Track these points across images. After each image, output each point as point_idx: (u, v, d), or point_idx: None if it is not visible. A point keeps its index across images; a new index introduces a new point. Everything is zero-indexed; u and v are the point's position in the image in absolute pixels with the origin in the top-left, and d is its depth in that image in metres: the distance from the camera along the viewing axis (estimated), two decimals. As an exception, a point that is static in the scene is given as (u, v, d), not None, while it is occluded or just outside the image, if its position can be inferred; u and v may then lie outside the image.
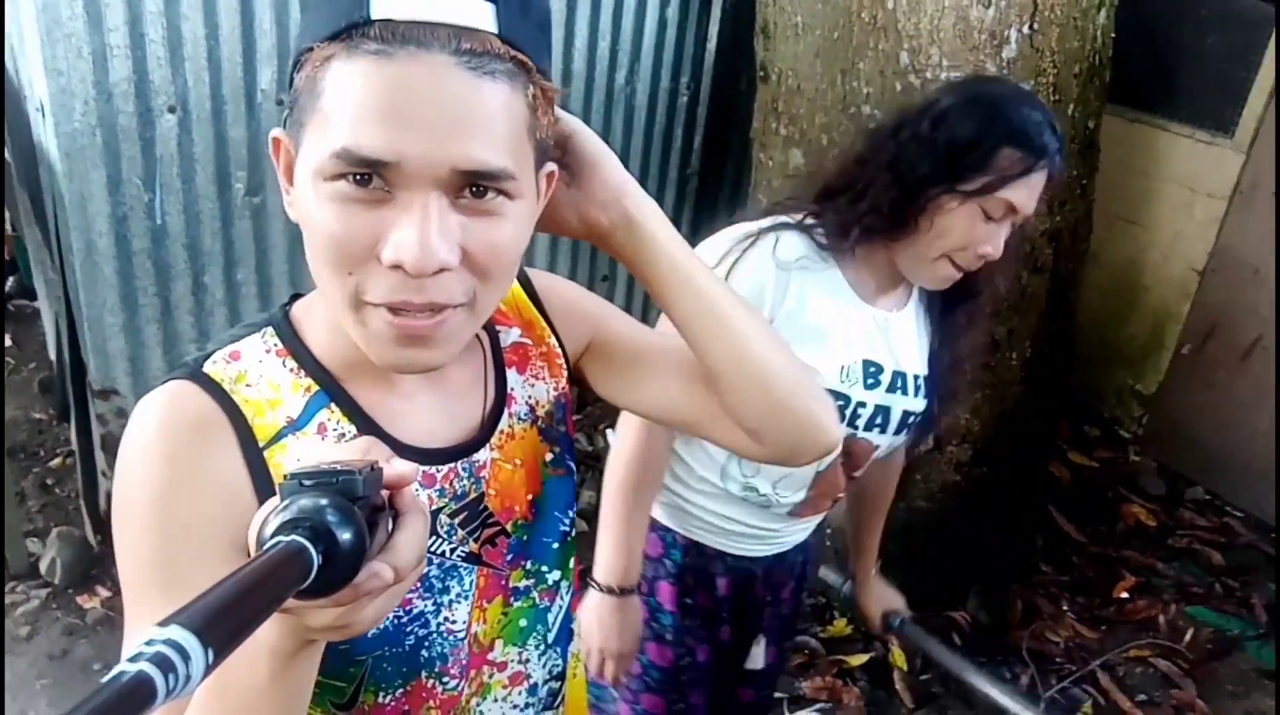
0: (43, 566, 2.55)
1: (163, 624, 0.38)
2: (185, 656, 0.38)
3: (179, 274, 2.35)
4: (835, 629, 2.68)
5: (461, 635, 0.81)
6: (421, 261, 0.61)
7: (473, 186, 0.63)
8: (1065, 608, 2.85)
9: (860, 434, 1.36)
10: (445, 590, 0.79)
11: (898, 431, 1.39)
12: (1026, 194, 1.24)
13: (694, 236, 2.99)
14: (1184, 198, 3.42)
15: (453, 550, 0.79)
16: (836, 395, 1.30)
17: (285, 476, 0.51)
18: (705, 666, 1.56)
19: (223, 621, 0.40)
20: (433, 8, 0.61)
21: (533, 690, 0.90)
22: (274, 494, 0.68)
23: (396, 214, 0.62)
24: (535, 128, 0.67)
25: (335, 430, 0.73)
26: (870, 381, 1.34)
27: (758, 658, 1.63)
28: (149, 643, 0.37)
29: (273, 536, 0.48)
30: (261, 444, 0.70)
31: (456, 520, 0.79)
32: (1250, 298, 3.27)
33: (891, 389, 1.35)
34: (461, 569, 0.80)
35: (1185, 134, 3.38)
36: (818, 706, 2.46)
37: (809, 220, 1.32)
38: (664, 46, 3.00)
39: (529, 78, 0.65)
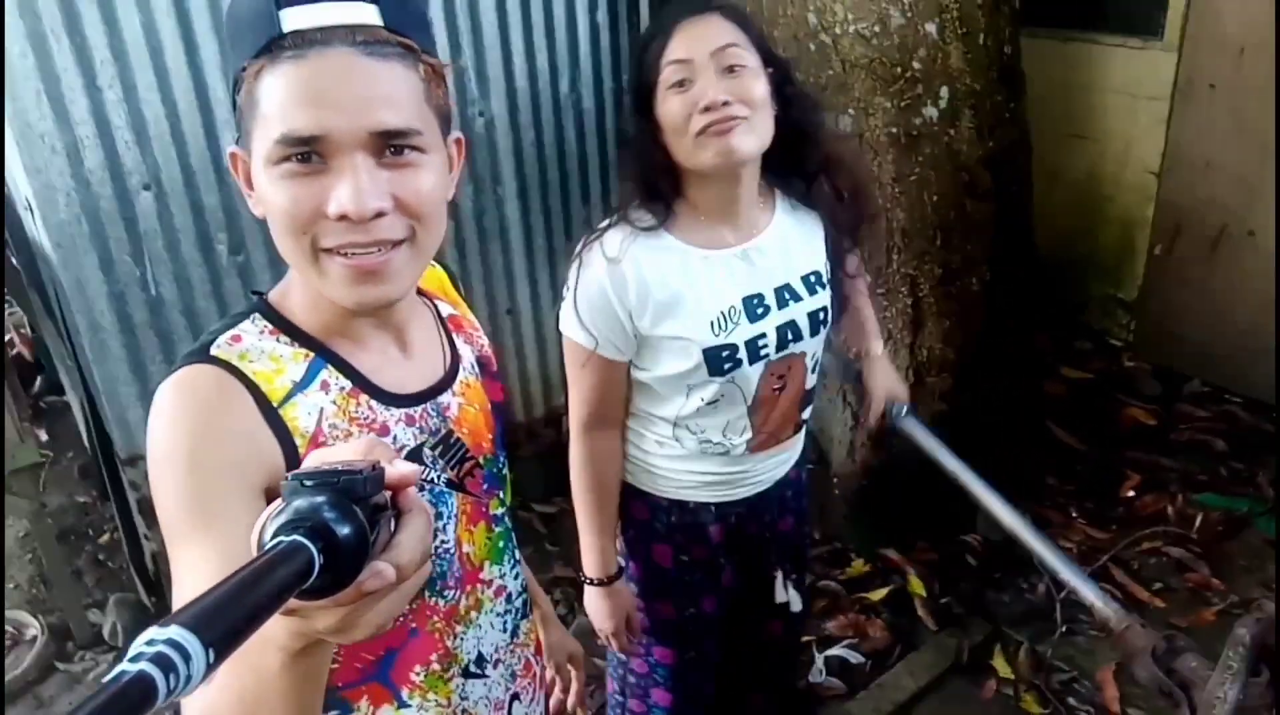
0: (105, 633, 2.72)
1: (163, 624, 0.40)
2: (186, 656, 0.39)
3: (180, 337, 2.51)
4: (854, 570, 2.79)
5: (453, 553, 0.96)
6: (360, 206, 0.77)
7: (390, 146, 0.79)
8: (1074, 514, 2.94)
9: (776, 356, 1.43)
10: (437, 516, 0.94)
11: (815, 332, 1.46)
12: (685, 44, 1.29)
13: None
14: (1128, 105, 3.50)
15: (437, 477, 0.94)
16: (720, 348, 1.38)
17: (287, 477, 0.52)
18: (713, 615, 1.66)
19: (223, 621, 0.42)
20: (329, 14, 0.77)
21: (509, 599, 1.06)
22: (294, 445, 0.81)
23: (334, 178, 0.78)
24: (431, 96, 0.83)
25: (336, 384, 0.87)
26: (760, 312, 1.40)
27: (784, 592, 1.72)
28: (150, 642, 0.39)
29: (274, 537, 0.48)
30: (275, 404, 0.83)
31: (436, 451, 0.94)
32: (1207, 190, 3.34)
33: (783, 305, 1.42)
34: (446, 494, 0.95)
35: (1117, 43, 3.47)
36: (846, 643, 2.56)
37: (623, 210, 1.39)
38: (600, 50, 3.13)
39: (417, 57, 0.81)
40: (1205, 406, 3.46)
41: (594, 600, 1.58)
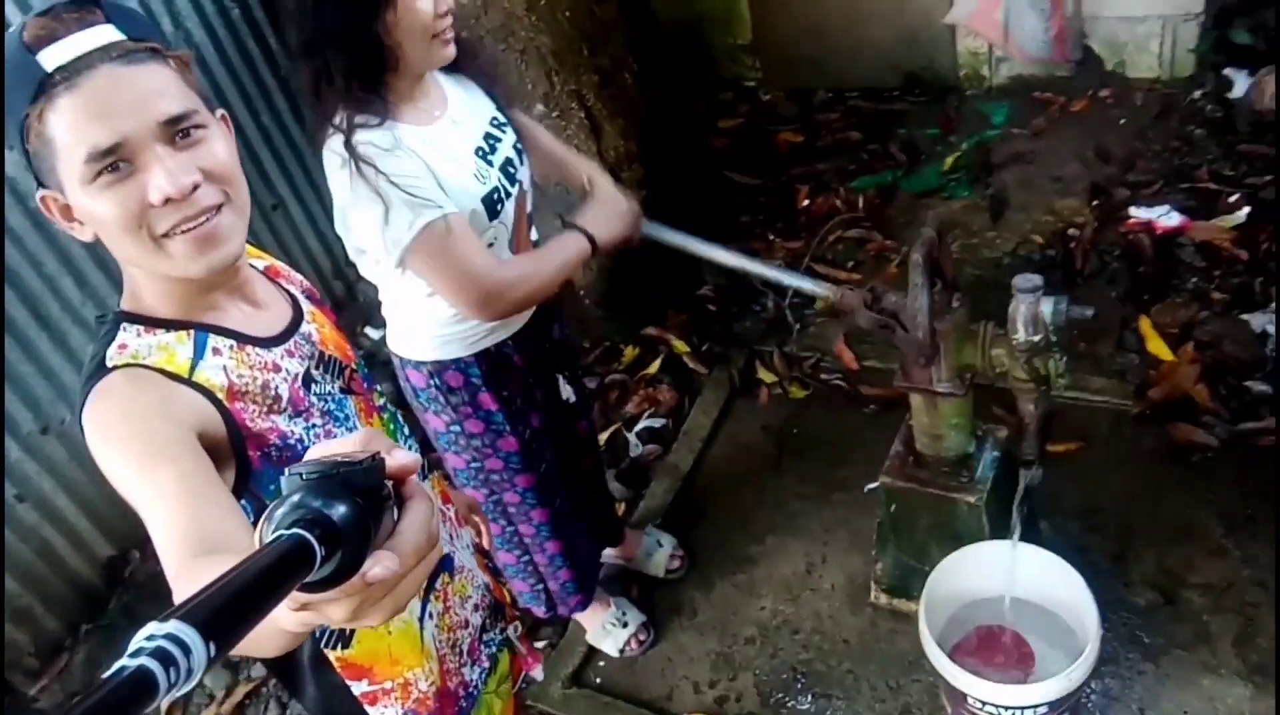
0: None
1: (162, 619, 0.40)
2: (186, 651, 0.39)
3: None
4: (627, 357, 3.17)
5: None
6: (178, 185, 0.90)
7: (179, 131, 0.92)
8: (772, 237, 3.46)
9: (515, 192, 1.65)
10: (345, 416, 1.14)
11: (522, 161, 1.69)
12: None
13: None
14: None
15: (331, 388, 1.13)
16: (491, 193, 1.57)
17: (288, 472, 0.53)
18: (541, 428, 1.93)
19: (224, 615, 0.42)
20: (80, 43, 0.88)
21: None
22: (215, 398, 0.96)
23: (145, 175, 0.90)
24: (188, 82, 0.96)
25: (224, 346, 1.02)
26: (489, 159, 1.61)
27: (567, 390, 2.02)
28: (150, 638, 0.39)
29: (274, 531, 0.48)
30: (185, 376, 0.97)
31: (319, 370, 1.13)
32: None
33: (493, 149, 1.62)
34: (344, 399, 1.15)
35: None
36: (646, 415, 2.97)
37: (339, 121, 1.45)
38: None
39: (163, 55, 0.94)
40: (835, 109, 4.06)
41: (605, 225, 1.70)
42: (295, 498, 0.50)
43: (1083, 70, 3.62)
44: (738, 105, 4.26)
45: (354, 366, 1.21)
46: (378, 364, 2.61)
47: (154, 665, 0.38)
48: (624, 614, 2.33)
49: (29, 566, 2.59)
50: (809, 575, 2.37)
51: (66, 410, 2.63)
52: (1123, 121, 3.45)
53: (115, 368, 0.95)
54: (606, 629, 2.32)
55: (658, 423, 2.94)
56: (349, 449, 0.57)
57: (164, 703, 0.43)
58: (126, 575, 2.81)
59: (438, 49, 1.50)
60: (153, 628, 0.39)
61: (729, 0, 4.12)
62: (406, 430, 1.33)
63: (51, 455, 2.61)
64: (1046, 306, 1.66)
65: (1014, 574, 1.84)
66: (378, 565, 0.53)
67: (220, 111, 1.02)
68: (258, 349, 1.06)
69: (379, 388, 1.28)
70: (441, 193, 1.49)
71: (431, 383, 1.78)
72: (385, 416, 1.26)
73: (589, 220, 1.70)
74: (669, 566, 2.47)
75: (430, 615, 1.28)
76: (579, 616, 2.31)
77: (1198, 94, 3.36)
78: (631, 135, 3.01)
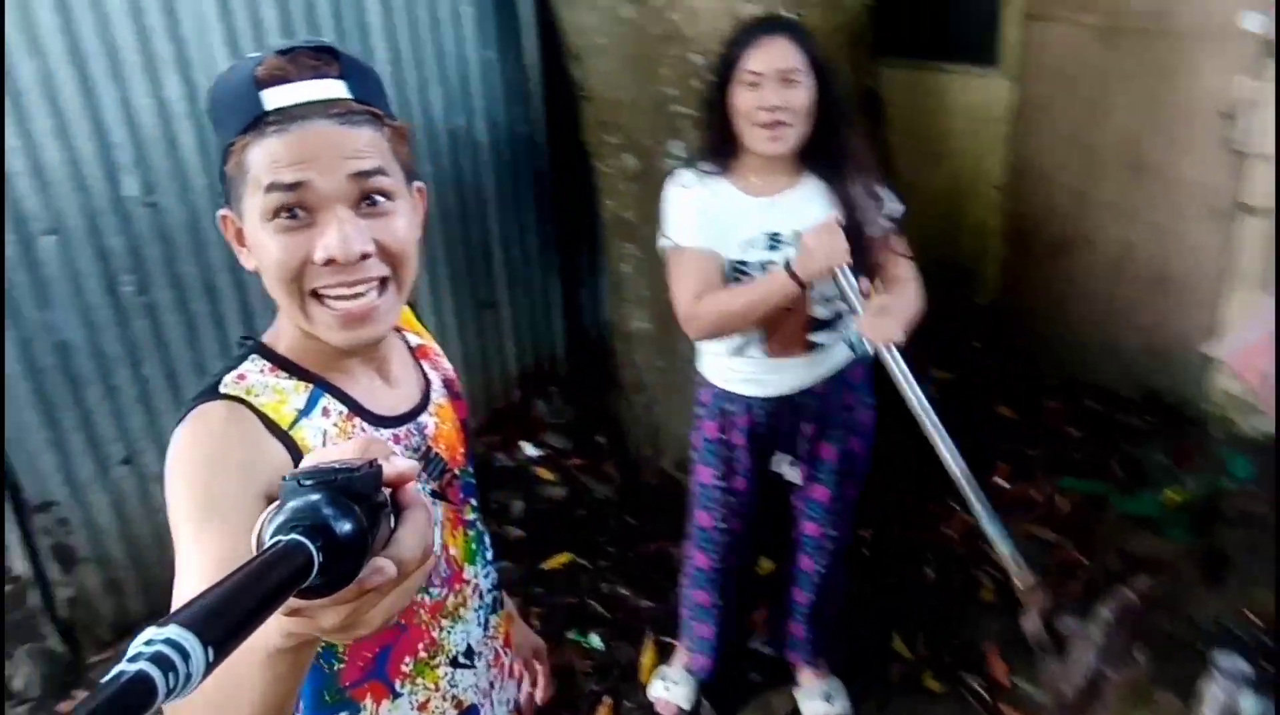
0: (19, 684, 2.64)
1: (162, 623, 0.40)
2: (185, 655, 0.39)
3: (89, 381, 2.49)
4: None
5: (440, 556, 1.07)
6: (346, 250, 0.87)
7: (366, 198, 0.89)
8: (955, 505, 3.20)
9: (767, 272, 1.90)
10: None
11: None
12: (761, 58, 1.78)
13: (563, 247, 3.32)
14: (973, 127, 3.85)
15: (424, 488, 1.05)
16: (738, 262, 1.90)
17: (284, 478, 0.53)
18: (742, 490, 2.16)
19: (223, 620, 0.42)
20: (305, 92, 0.87)
21: (481, 596, 1.17)
22: (299, 459, 0.89)
23: (319, 229, 0.88)
24: (396, 152, 0.94)
25: (335, 409, 0.97)
26: (772, 244, 1.90)
27: (792, 471, 2.14)
28: (148, 642, 0.39)
29: (272, 537, 0.49)
30: (285, 428, 0.92)
31: (420, 466, 1.04)
32: (1046, 200, 3.71)
33: (793, 243, 1.87)
34: (433, 504, 1.06)
35: (960, 71, 3.84)
36: (761, 640, 2.73)
37: (697, 158, 1.97)
38: (492, 84, 3.25)
39: (382, 122, 0.92)
40: (1058, 398, 3.81)
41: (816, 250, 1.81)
42: (293, 503, 0.50)
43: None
44: (954, 359, 4.09)
45: (457, 472, 1.12)
46: (498, 478, 2.57)
47: (152, 670, 0.37)
48: None
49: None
50: None
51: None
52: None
53: (225, 396, 0.92)
54: None
55: (767, 650, 2.69)
56: (347, 456, 0.57)
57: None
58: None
59: (761, 139, 1.82)
60: (151, 632, 0.39)
61: (979, 260, 4.04)
62: (490, 555, 1.22)
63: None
64: (1248, 702, 1.39)
65: None
66: (373, 573, 0.53)
67: (418, 184, 1.01)
68: (366, 424, 1.01)
69: (473, 502, 1.18)
70: (693, 232, 1.90)
71: (699, 391, 2.14)
72: (471, 534, 1.16)
73: (795, 260, 1.83)
74: None
75: None
76: None
77: None
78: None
